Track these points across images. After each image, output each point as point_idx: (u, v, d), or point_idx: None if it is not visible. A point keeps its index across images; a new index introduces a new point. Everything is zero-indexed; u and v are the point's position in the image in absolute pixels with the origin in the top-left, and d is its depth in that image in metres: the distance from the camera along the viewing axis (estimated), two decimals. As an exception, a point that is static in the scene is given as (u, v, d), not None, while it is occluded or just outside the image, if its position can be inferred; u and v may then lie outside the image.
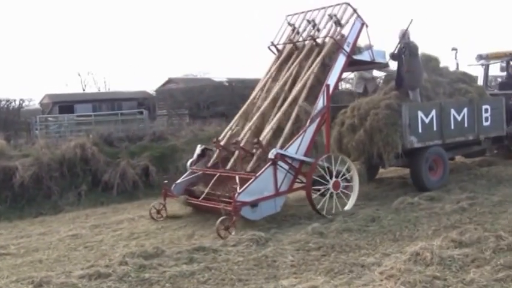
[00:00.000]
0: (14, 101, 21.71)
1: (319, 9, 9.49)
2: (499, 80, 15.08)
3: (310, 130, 8.21)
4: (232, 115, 10.62)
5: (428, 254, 5.48)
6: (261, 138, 8.31)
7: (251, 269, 5.76)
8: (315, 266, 5.74)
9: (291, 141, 8.05)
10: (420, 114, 9.40)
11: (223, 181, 8.35)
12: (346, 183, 8.43)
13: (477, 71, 13.05)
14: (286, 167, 7.90)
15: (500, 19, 63.31)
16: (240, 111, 9.49)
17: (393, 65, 10.12)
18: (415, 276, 5.00)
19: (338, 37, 9.02)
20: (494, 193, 8.77)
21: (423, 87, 9.96)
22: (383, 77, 11.43)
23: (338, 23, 9.14)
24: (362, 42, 9.31)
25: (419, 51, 9.91)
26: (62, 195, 10.70)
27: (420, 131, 9.37)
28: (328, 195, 8.20)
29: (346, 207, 8.29)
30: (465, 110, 10.09)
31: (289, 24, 9.81)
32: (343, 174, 8.43)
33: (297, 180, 8.21)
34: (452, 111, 9.87)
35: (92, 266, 6.00)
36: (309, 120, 8.22)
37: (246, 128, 8.96)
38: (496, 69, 13.71)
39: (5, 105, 21.14)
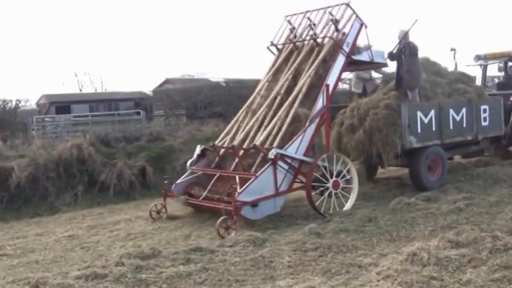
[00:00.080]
0: (11, 101, 21.64)
1: (318, 9, 9.50)
2: (496, 80, 15.12)
3: (310, 130, 8.22)
4: (229, 115, 10.60)
5: (425, 255, 5.47)
6: (261, 139, 8.29)
7: (248, 269, 5.75)
8: (312, 267, 5.73)
9: (291, 141, 8.06)
10: (419, 114, 9.40)
11: (223, 181, 8.35)
12: (345, 185, 8.41)
13: (475, 71, 13.13)
14: (286, 166, 7.91)
15: (498, 20, 63.54)
16: (240, 112, 9.46)
17: (391, 65, 10.16)
18: (412, 277, 5.00)
19: (337, 37, 9.02)
20: (490, 193, 8.77)
21: (422, 88, 9.96)
22: (379, 79, 11.44)
23: (337, 23, 9.14)
24: (361, 42, 9.34)
25: (419, 52, 9.91)
26: (59, 195, 10.68)
27: (419, 131, 9.38)
28: (326, 194, 8.19)
29: (346, 207, 8.29)
30: (464, 110, 10.10)
31: (289, 23, 9.80)
32: (344, 176, 8.41)
33: (297, 180, 8.21)
34: (451, 112, 9.88)
35: (88, 266, 5.98)
36: (308, 120, 8.22)
37: (247, 128, 8.93)
38: (494, 70, 13.77)
39: (2, 106, 21.04)
